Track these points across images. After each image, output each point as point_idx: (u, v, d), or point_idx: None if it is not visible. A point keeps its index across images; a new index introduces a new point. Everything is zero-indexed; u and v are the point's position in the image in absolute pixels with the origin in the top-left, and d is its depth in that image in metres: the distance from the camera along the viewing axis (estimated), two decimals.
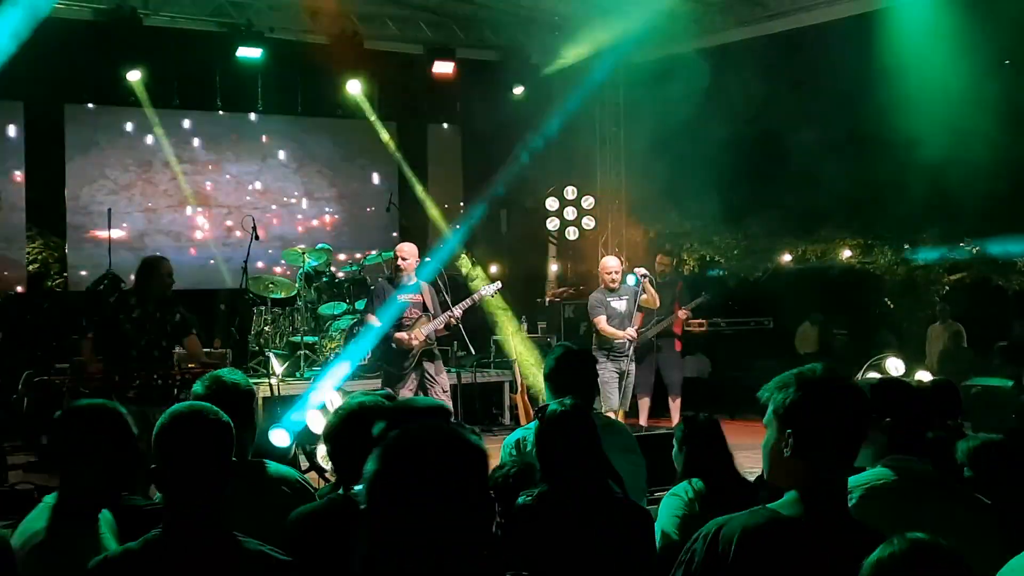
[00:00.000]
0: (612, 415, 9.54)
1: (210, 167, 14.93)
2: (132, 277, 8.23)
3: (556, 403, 3.84)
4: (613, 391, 10.17)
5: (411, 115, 15.88)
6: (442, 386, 9.37)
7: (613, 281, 10.43)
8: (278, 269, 14.29)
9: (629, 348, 10.33)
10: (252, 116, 15.17)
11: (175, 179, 14.60)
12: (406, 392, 8.96)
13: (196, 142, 14.80)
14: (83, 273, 13.75)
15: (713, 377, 14.73)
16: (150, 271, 7.76)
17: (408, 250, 9.59)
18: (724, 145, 13.44)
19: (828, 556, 2.44)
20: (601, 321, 10.36)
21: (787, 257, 17.20)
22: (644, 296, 10.38)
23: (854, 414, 2.57)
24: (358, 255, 13.42)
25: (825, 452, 2.53)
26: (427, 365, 9.37)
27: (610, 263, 10.65)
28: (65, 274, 13.90)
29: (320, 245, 13.06)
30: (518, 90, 14.66)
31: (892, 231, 15.32)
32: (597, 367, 9.87)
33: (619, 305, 10.42)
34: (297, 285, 12.52)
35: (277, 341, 12.42)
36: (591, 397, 4.58)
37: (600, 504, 3.58)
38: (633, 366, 10.45)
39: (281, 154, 15.42)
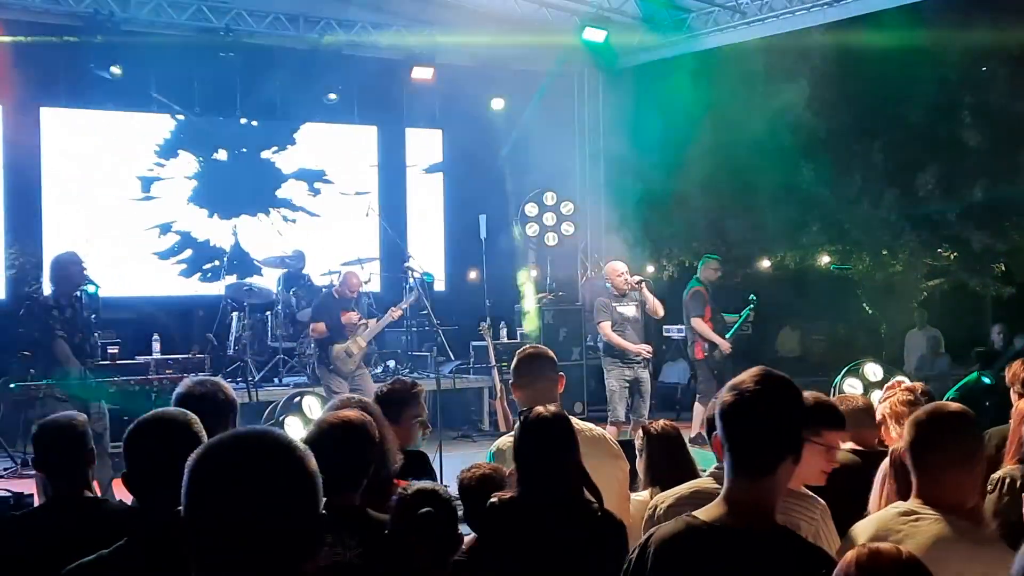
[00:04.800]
0: (615, 428, 9.22)
1: (189, 172, 14.82)
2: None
3: (540, 408, 3.77)
4: (620, 401, 9.57)
5: (391, 119, 15.85)
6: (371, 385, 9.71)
7: (626, 283, 9.78)
8: (257, 275, 14.19)
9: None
10: (231, 121, 15.07)
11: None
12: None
13: (174, 147, 14.68)
14: None
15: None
16: (60, 268, 8.08)
17: (355, 281, 10.65)
18: (705, 150, 13.48)
19: (738, 562, 2.43)
20: (606, 327, 9.70)
21: (766, 263, 17.26)
22: (647, 305, 9.85)
23: (751, 422, 2.50)
24: (339, 261, 13.34)
25: (730, 457, 2.53)
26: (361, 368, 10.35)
27: (619, 266, 10.01)
28: (42, 279, 13.75)
29: (295, 251, 13.02)
30: (497, 101, 14.71)
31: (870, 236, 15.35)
32: (605, 375, 9.80)
33: (626, 310, 9.75)
34: (276, 290, 12.46)
35: (255, 347, 12.34)
36: (551, 397, 4.51)
37: (573, 513, 3.53)
38: (646, 373, 9.82)
39: (261, 159, 15.32)
